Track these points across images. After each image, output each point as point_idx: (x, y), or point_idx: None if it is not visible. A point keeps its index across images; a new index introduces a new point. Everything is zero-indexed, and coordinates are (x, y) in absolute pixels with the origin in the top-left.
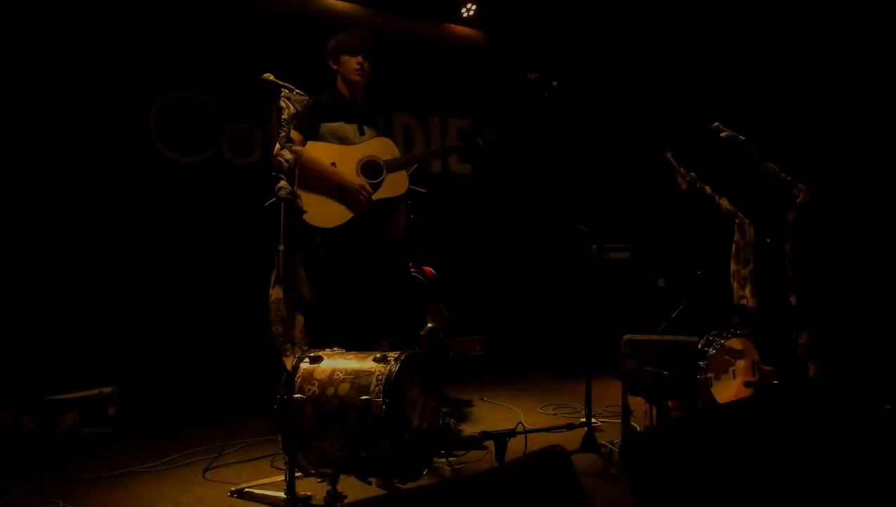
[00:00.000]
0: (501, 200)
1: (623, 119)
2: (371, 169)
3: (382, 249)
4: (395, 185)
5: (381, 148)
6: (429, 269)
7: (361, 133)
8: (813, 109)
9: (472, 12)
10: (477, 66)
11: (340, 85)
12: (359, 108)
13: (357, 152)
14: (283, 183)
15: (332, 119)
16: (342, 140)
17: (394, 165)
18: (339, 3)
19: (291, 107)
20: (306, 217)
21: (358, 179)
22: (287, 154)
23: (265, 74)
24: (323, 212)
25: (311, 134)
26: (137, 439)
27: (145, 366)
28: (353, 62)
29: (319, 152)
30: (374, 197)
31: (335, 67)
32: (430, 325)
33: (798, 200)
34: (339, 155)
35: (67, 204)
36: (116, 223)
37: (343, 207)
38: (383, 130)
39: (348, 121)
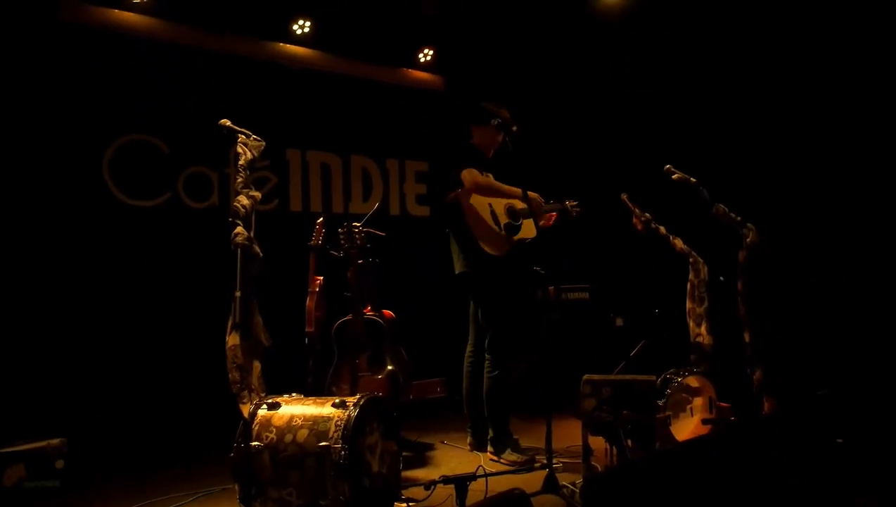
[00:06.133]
0: None
1: (579, 161)
2: (513, 213)
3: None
4: (528, 229)
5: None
6: (388, 311)
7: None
8: (761, 151)
9: (429, 57)
10: (434, 110)
11: (482, 141)
12: (492, 163)
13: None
14: (239, 229)
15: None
16: None
17: (526, 214)
18: (300, 48)
19: (248, 153)
20: (485, 246)
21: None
22: (244, 200)
23: (222, 120)
24: (493, 244)
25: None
26: (86, 493)
27: (96, 416)
28: (499, 138)
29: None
30: (516, 237)
31: (481, 126)
32: (389, 368)
33: (748, 240)
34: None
35: (19, 249)
36: (69, 267)
37: (502, 242)
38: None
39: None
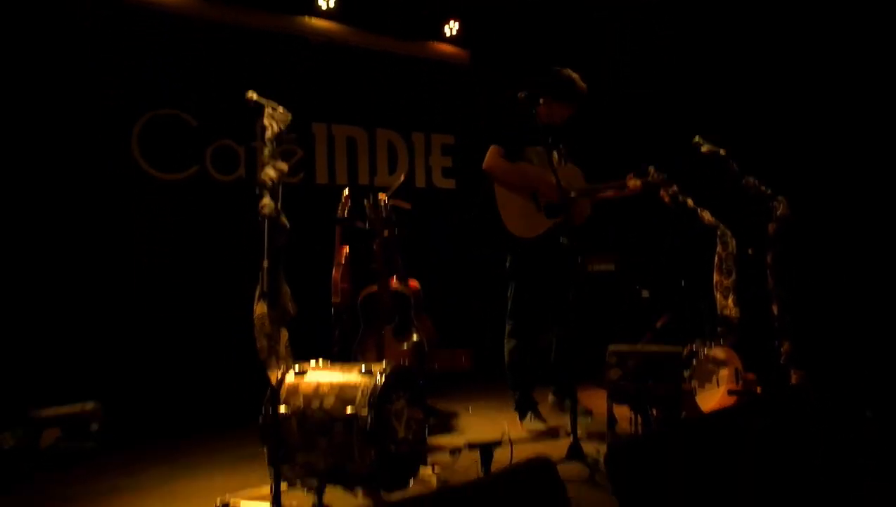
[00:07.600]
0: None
1: (605, 133)
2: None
3: (562, 258)
4: (578, 208)
5: (571, 176)
6: (413, 281)
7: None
8: (792, 122)
9: (454, 31)
10: (460, 83)
11: (545, 113)
12: (550, 136)
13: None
14: (267, 200)
15: (534, 143)
16: (540, 161)
17: (581, 193)
18: (325, 22)
19: (275, 125)
20: (511, 228)
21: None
22: (271, 172)
23: (249, 93)
24: (523, 224)
25: (516, 151)
26: (121, 454)
27: (129, 381)
28: (569, 110)
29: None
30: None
31: (549, 99)
32: (415, 337)
33: (777, 213)
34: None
35: (52, 221)
36: (101, 239)
37: (537, 222)
38: (564, 156)
39: (544, 145)
